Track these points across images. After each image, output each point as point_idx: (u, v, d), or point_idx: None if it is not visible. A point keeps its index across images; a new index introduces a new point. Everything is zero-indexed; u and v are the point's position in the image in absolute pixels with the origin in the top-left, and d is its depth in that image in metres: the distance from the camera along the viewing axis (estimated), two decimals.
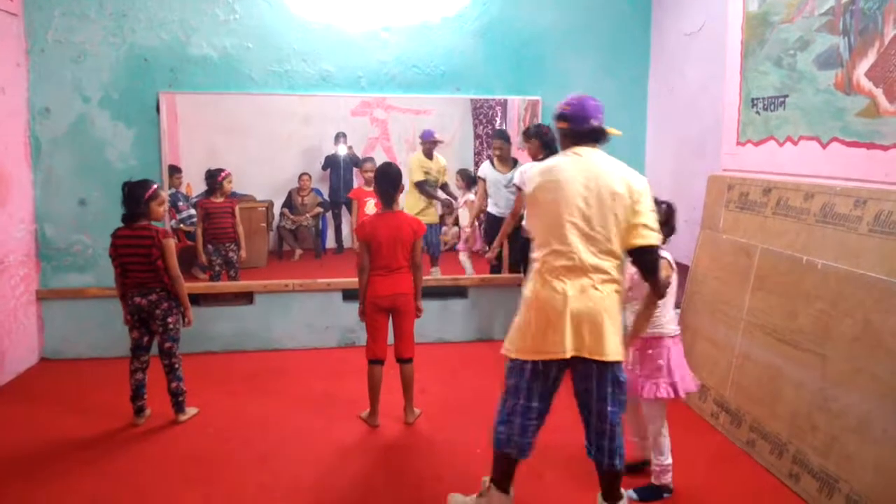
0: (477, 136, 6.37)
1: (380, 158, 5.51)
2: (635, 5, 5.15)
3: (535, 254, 2.49)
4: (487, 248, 5.13)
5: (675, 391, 2.79)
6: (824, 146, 3.21)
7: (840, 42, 3.09)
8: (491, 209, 5.17)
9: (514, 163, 5.09)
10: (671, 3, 4.88)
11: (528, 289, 2.50)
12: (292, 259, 5.59)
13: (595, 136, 2.50)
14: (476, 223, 5.63)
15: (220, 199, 5.02)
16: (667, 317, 2.84)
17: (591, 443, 2.50)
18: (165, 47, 4.68)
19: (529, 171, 2.54)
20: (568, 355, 2.38)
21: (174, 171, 4.98)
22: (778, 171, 3.55)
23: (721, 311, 3.74)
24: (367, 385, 3.64)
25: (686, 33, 4.66)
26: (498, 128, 6.06)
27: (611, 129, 2.52)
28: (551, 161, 2.53)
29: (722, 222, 3.88)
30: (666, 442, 2.88)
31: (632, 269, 2.55)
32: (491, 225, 5.14)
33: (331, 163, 5.55)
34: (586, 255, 2.38)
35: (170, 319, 3.57)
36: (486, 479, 2.68)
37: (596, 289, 2.38)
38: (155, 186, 3.54)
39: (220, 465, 3.21)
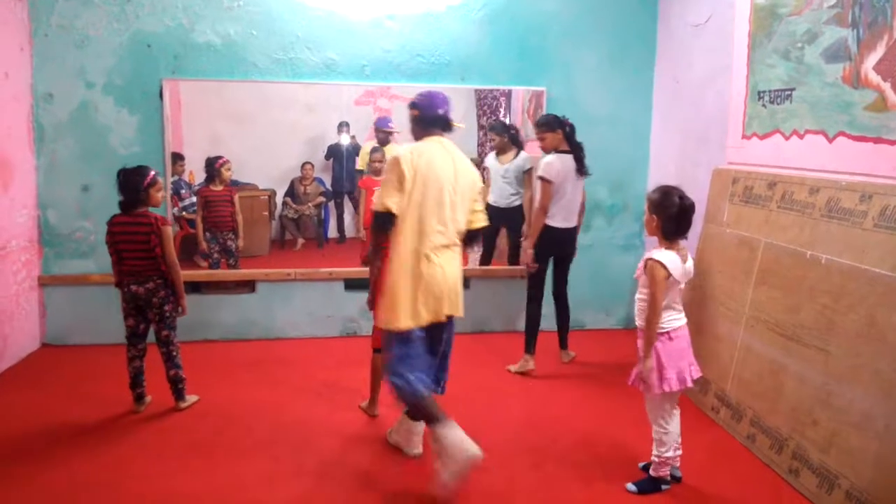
0: (481, 127, 6.33)
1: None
2: None
3: (410, 232, 2.80)
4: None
5: (652, 388, 2.77)
6: (830, 140, 3.18)
7: (848, 35, 3.06)
8: (488, 199, 5.13)
9: (516, 153, 5.04)
10: None
11: (409, 264, 2.82)
12: (294, 248, 5.59)
13: (442, 125, 2.96)
14: None
15: (219, 188, 5.00)
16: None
17: (438, 380, 3.09)
18: (169, 33, 4.66)
19: (400, 151, 2.82)
20: (445, 318, 2.91)
21: (177, 158, 4.96)
22: (783, 165, 3.52)
23: (724, 304, 3.72)
24: (367, 374, 3.64)
25: (693, 24, 4.62)
26: (491, 120, 5.99)
27: (455, 123, 2.99)
28: (421, 147, 2.87)
29: (726, 216, 3.86)
30: (667, 436, 2.87)
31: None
32: (489, 215, 5.07)
33: (333, 152, 5.52)
34: (454, 235, 2.92)
35: (167, 308, 3.56)
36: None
37: (455, 259, 2.94)
38: (153, 173, 3.51)
39: (220, 453, 3.22)
